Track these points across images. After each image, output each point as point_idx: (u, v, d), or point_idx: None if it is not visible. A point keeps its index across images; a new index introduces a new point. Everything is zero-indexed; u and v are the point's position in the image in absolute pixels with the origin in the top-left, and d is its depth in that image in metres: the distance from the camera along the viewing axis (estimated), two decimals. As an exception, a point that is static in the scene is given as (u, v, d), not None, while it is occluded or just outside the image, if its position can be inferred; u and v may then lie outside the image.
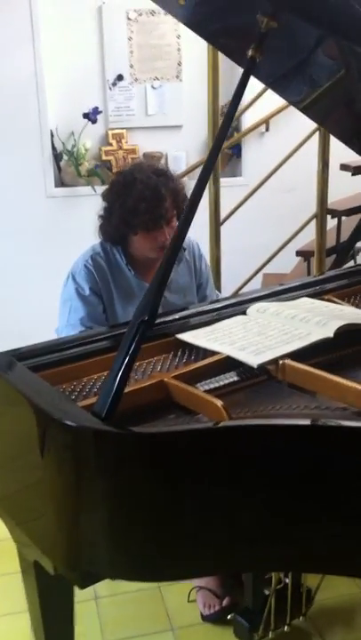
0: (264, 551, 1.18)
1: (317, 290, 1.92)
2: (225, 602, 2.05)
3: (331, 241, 3.13)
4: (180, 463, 1.10)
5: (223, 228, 2.92)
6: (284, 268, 3.65)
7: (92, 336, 1.47)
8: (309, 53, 1.48)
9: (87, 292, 2.03)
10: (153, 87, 3.84)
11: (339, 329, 1.53)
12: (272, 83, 1.75)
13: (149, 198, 1.94)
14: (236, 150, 4.07)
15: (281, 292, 1.94)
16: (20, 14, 3.43)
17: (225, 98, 2.89)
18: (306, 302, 1.82)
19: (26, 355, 1.44)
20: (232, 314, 1.75)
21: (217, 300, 2.11)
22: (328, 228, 3.16)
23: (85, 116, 3.63)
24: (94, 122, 3.66)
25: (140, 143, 3.94)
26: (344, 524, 1.13)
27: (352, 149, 2.02)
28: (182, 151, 3.96)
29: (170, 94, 3.87)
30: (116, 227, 2.02)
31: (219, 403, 1.24)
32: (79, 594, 1.60)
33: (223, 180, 4.05)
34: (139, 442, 1.10)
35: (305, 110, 1.84)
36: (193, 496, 1.11)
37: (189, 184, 1.98)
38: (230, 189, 3.41)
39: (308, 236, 3.33)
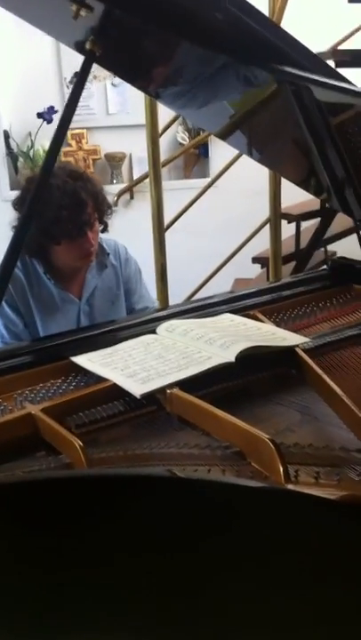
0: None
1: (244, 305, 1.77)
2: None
3: (290, 247, 2.96)
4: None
5: (184, 233, 2.79)
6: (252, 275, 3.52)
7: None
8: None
9: (3, 304, 1.89)
10: (113, 85, 3.69)
11: (241, 352, 1.38)
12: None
13: (70, 205, 1.80)
14: (203, 150, 3.93)
15: (207, 305, 1.79)
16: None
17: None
18: (225, 319, 1.67)
19: None
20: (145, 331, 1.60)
21: (141, 314, 1.98)
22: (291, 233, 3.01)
23: (40, 115, 3.49)
24: (50, 122, 3.50)
25: (101, 143, 3.80)
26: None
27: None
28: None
29: (132, 92, 3.70)
30: (34, 238, 1.86)
31: (77, 443, 1.10)
32: None
33: (190, 182, 3.94)
34: None
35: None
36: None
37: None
38: (197, 192, 3.28)
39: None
